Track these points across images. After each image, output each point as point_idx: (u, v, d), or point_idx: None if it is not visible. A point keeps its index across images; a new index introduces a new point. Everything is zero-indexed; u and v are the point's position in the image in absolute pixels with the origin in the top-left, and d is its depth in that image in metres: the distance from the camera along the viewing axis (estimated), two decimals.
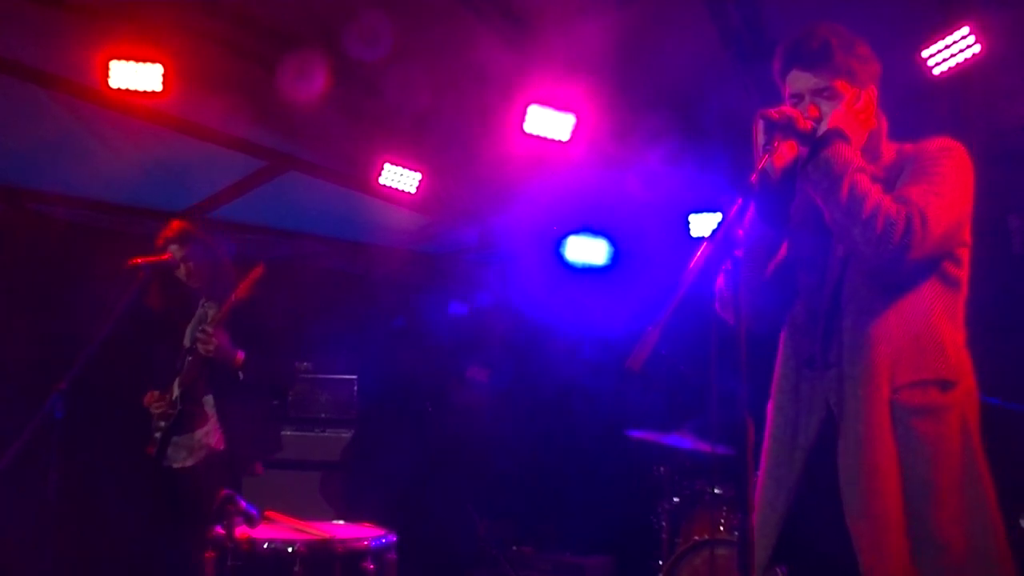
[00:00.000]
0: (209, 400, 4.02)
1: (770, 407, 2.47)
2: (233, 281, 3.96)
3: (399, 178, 5.38)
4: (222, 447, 3.97)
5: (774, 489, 2.38)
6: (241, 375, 3.94)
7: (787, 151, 2.29)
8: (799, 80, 2.37)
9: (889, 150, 2.42)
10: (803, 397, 2.36)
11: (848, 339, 2.29)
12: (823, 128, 2.30)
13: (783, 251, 2.42)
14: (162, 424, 4.04)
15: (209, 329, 3.88)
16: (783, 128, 2.22)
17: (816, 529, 2.31)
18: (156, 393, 4.07)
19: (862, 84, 2.37)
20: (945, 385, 2.25)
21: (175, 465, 4.03)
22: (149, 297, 4.07)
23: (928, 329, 2.27)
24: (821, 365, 2.33)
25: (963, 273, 2.35)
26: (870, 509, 2.18)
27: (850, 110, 2.33)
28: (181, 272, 4.06)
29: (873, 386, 2.23)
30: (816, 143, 2.26)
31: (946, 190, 2.26)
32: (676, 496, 5.01)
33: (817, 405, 2.33)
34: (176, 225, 4.09)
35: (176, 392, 4.03)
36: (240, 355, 3.92)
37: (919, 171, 2.31)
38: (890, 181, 2.32)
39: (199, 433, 4.00)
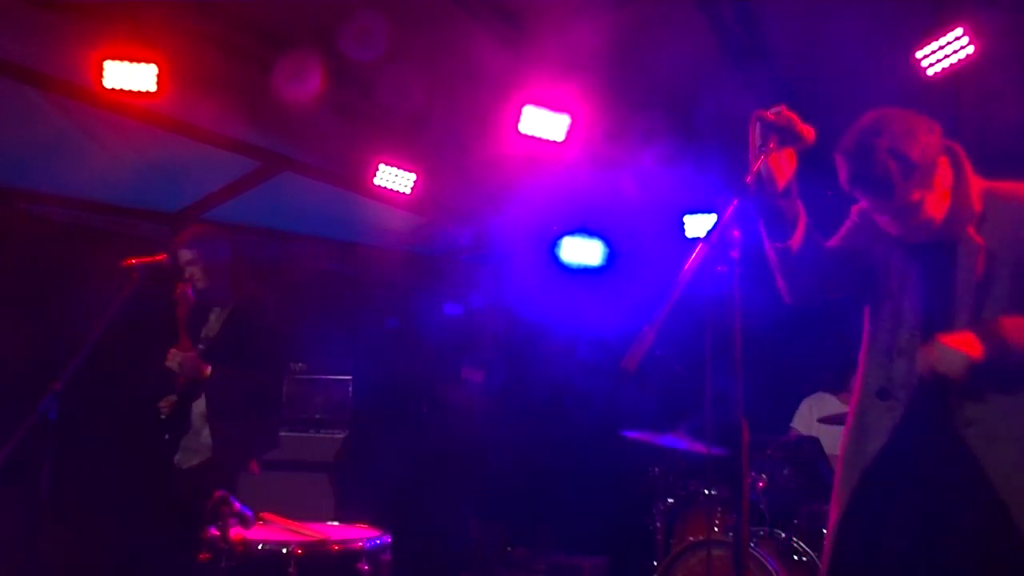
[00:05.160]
0: (200, 403, 4.08)
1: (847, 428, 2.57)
2: (233, 284, 4.05)
3: (394, 179, 5.38)
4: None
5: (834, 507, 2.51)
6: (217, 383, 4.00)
7: (786, 163, 2.30)
8: (874, 202, 2.43)
9: (977, 195, 2.44)
10: (870, 424, 2.48)
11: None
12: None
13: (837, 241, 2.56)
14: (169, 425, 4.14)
15: (173, 349, 3.96)
16: (780, 130, 2.22)
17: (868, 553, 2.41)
18: (172, 398, 4.16)
19: (931, 170, 2.37)
20: None
21: (183, 467, 4.10)
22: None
23: None
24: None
25: None
26: None
27: (936, 205, 2.38)
28: (188, 275, 4.09)
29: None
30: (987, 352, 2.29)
31: None
32: (671, 497, 5.01)
33: (881, 432, 2.43)
34: (189, 230, 4.21)
35: (174, 396, 4.11)
36: (206, 368, 3.95)
37: None
38: (986, 231, 2.39)
39: (203, 434, 4.07)
